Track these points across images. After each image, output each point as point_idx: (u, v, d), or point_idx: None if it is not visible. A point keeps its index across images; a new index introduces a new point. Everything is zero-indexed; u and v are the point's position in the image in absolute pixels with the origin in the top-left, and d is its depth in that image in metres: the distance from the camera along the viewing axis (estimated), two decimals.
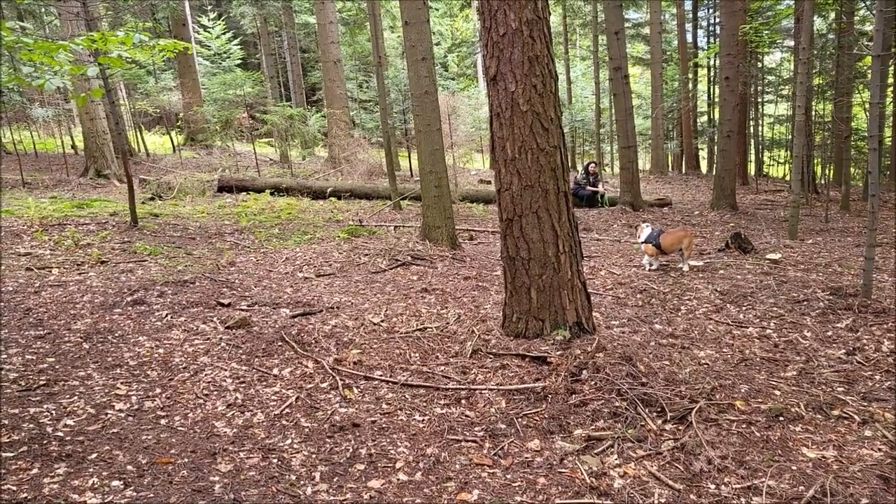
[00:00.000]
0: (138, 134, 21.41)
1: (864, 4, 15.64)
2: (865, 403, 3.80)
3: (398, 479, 3.18)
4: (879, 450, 3.27)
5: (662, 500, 2.93)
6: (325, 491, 3.07)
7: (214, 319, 5.44)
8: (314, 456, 3.39)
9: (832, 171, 18.16)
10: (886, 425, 3.50)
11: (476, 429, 3.71)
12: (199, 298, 6.02)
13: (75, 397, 3.91)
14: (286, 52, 29.19)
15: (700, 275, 7.33)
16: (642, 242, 7.71)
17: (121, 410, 3.81)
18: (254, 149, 19.22)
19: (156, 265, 7.37)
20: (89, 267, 7.16)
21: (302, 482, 3.14)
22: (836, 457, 3.22)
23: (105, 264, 7.33)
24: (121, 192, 13.48)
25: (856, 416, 3.63)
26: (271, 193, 14.28)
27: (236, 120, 19.58)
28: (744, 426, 3.57)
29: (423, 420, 3.84)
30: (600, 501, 2.94)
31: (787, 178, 19.65)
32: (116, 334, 5.02)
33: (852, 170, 17.57)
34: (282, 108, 19.60)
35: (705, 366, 4.51)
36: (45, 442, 3.36)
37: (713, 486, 3.01)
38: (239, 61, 25.99)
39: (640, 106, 29.10)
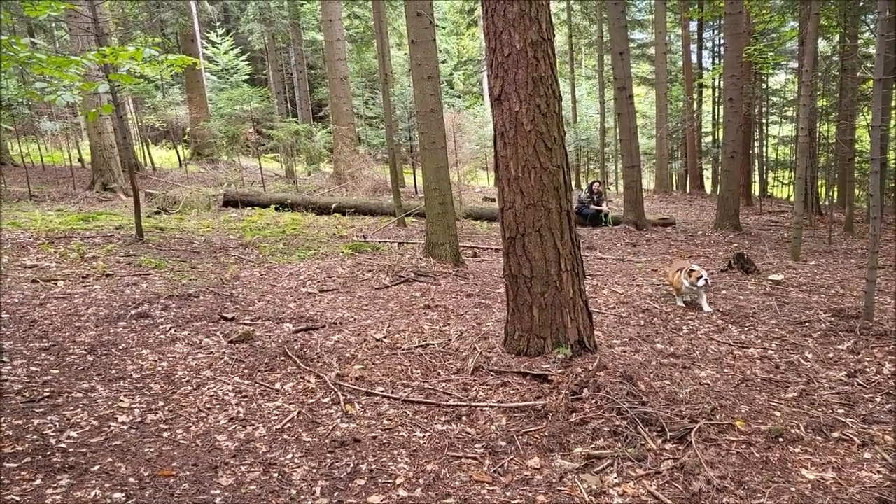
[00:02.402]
0: (145, 148, 21.58)
1: (867, 28, 15.76)
2: (865, 426, 3.81)
3: (398, 495, 3.19)
4: (879, 472, 3.27)
5: None
6: None
7: (218, 333, 5.47)
8: (315, 470, 3.41)
9: (836, 193, 18.20)
10: (886, 448, 3.51)
11: (476, 446, 3.72)
12: (202, 312, 6.05)
13: (79, 409, 3.94)
14: (293, 68, 29.48)
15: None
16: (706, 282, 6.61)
17: (123, 423, 3.84)
18: (259, 164, 19.35)
19: (160, 279, 7.41)
20: (94, 280, 7.21)
21: (302, 496, 3.15)
22: (835, 479, 3.22)
23: (110, 277, 7.37)
24: (127, 205, 13.56)
25: (856, 439, 3.63)
26: (276, 208, 14.35)
27: (243, 135, 19.72)
28: (743, 447, 3.58)
29: (424, 436, 3.85)
30: None
31: (791, 199, 19.69)
32: (120, 347, 5.05)
33: (856, 192, 17.59)
34: (288, 123, 19.75)
35: (706, 386, 4.52)
36: (48, 453, 3.38)
37: None
38: (246, 77, 26.19)
39: (644, 125, 29.25)
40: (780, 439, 3.64)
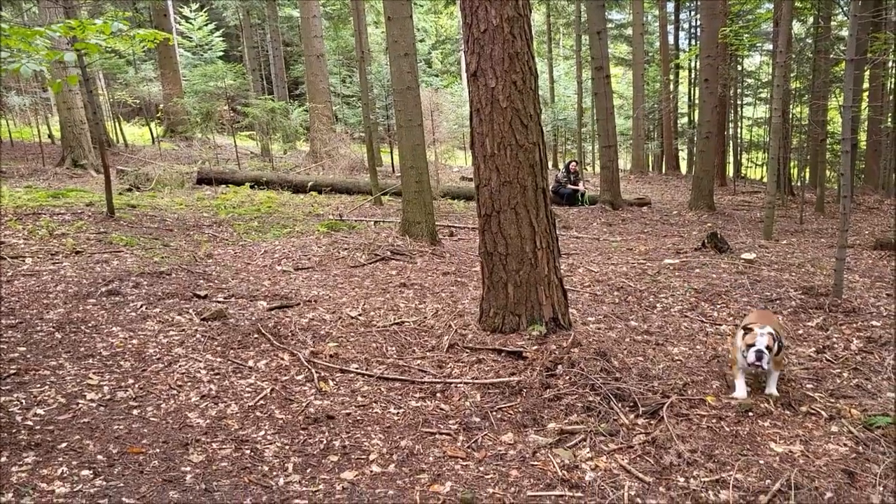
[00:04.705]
0: (117, 124, 21.17)
1: (841, 10, 15.88)
2: (833, 400, 3.87)
3: (371, 471, 3.18)
4: (845, 445, 3.33)
5: (632, 493, 2.97)
6: (297, 482, 3.07)
7: (190, 311, 5.40)
8: (287, 447, 3.39)
9: (808, 174, 18.43)
10: (853, 421, 3.57)
11: (450, 422, 3.72)
12: (175, 290, 5.97)
13: (46, 387, 3.87)
14: (269, 45, 29.01)
15: (676, 273, 7.40)
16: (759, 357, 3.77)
17: (92, 400, 3.78)
18: (234, 142, 19.08)
19: (132, 256, 7.30)
20: (63, 257, 7.08)
21: (274, 473, 3.13)
22: (802, 451, 3.27)
23: (80, 254, 7.24)
24: (98, 182, 13.33)
25: (823, 413, 3.69)
26: (251, 186, 14.19)
27: (217, 112, 19.43)
28: (714, 421, 3.62)
29: (398, 413, 3.84)
30: (571, 494, 2.97)
31: (765, 179, 19.91)
32: (90, 324, 4.96)
33: (828, 173, 17.83)
34: (263, 101, 19.48)
35: (678, 362, 4.56)
36: (14, 431, 3.32)
37: (682, 480, 3.05)
38: (221, 53, 25.72)
39: (621, 106, 29.33)
40: (750, 413, 3.69)
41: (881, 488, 2.89)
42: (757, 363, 3.73)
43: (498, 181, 4.82)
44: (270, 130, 20.47)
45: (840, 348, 4.78)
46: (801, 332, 5.21)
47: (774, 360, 3.84)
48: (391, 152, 20.03)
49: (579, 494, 2.96)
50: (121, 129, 21.18)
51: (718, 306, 6.01)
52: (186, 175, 14.74)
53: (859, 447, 3.30)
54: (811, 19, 17.02)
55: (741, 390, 3.94)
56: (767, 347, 3.73)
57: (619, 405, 3.78)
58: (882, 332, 5.08)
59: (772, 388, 3.95)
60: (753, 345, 3.76)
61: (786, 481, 2.97)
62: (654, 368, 4.37)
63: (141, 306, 5.46)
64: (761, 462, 3.18)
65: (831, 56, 14.51)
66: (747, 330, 3.91)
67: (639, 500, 2.92)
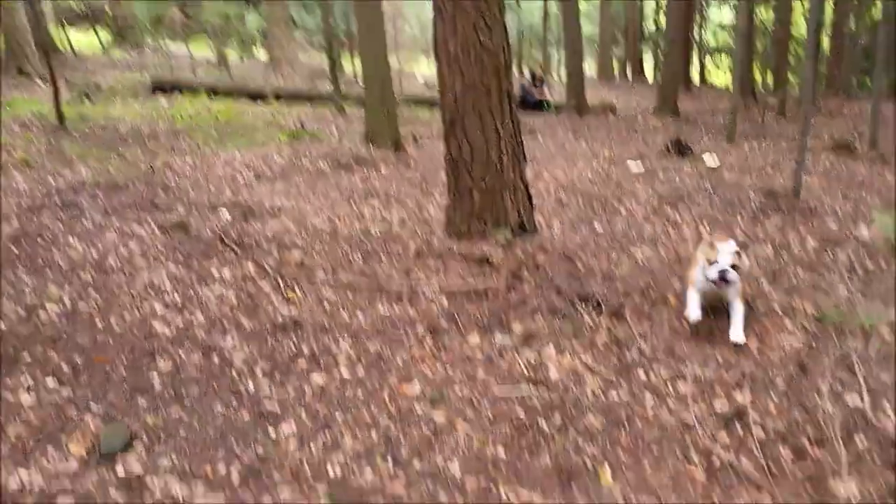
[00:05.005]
0: (62, 30, 20.05)
1: None
2: (788, 297, 3.99)
3: (341, 375, 3.22)
4: (798, 339, 3.46)
5: (595, 388, 3.06)
6: (267, 387, 3.10)
7: (150, 222, 5.29)
8: (256, 354, 3.40)
9: (771, 78, 18.43)
10: (806, 317, 3.70)
11: (418, 326, 3.75)
12: (133, 201, 5.83)
13: (4, 299, 3.80)
14: None
15: (640, 179, 7.44)
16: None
17: (54, 312, 3.72)
18: (188, 48, 18.26)
19: (86, 168, 7.07)
20: (14, 169, 6.82)
21: (244, 378, 3.16)
22: (759, 347, 3.39)
23: (31, 167, 6.98)
24: (45, 91, 12.70)
25: (778, 309, 3.81)
26: (208, 95, 13.69)
27: (168, 17, 18.49)
28: (674, 320, 3.72)
29: (366, 319, 3.87)
30: (536, 391, 3.05)
31: (729, 87, 19.86)
32: (46, 237, 4.84)
33: (791, 77, 17.85)
34: (216, 3, 18.54)
35: (641, 264, 4.64)
36: None
37: (643, 375, 3.16)
38: None
39: (588, 13, 28.64)
40: (709, 311, 3.79)
41: (830, 378, 3.02)
42: (722, 280, 3.38)
43: (462, 85, 4.70)
44: (225, 37, 19.61)
45: (796, 248, 4.90)
46: (759, 233, 5.32)
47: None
48: (352, 60, 19.40)
49: (544, 391, 3.04)
50: (67, 36, 20.08)
51: (681, 210, 6.08)
52: (140, 84, 14.15)
53: (812, 341, 3.44)
54: None
55: (694, 311, 3.53)
56: (733, 266, 3.38)
57: (584, 306, 3.86)
58: (837, 231, 5.22)
59: (738, 330, 3.41)
60: (716, 262, 3.39)
61: (741, 373, 3.10)
62: (617, 271, 4.45)
63: (99, 218, 5.33)
64: (718, 357, 3.29)
65: None
66: (710, 246, 3.50)
67: (601, 394, 3.02)
